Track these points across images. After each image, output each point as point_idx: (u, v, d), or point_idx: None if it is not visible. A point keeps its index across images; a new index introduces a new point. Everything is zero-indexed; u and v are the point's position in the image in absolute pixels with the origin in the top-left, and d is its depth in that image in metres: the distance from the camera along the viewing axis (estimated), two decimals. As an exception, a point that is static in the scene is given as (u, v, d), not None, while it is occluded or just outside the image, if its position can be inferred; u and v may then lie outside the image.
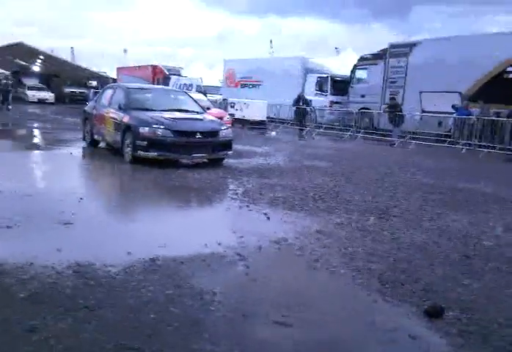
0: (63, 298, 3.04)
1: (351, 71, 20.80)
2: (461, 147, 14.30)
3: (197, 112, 9.84)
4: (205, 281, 3.47)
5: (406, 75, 17.90)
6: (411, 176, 9.09)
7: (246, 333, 2.83)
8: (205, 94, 20.45)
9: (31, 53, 34.78)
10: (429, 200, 6.83)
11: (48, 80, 37.51)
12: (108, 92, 10.64)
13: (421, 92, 17.02)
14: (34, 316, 2.78)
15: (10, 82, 23.13)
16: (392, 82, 18.58)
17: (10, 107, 21.91)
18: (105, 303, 3.00)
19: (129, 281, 3.38)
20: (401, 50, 18.20)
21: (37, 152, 10.61)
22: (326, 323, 3.04)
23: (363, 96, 19.86)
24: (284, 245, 4.45)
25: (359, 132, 17.82)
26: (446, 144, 14.95)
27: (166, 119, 8.74)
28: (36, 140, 12.99)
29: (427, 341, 2.90)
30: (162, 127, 8.49)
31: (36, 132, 14.85)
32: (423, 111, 16.80)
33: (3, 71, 28.25)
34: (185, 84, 26.68)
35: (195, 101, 10.64)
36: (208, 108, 11.59)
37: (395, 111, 16.54)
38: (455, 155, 13.47)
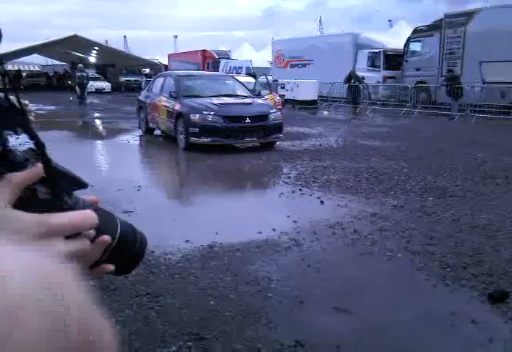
0: (127, 285, 3.19)
1: (405, 44, 19.94)
2: (527, 118, 13.45)
3: (246, 96, 9.85)
4: (261, 268, 3.52)
5: (463, 45, 16.97)
6: (473, 152, 8.67)
7: (303, 319, 2.86)
8: (254, 76, 20.37)
9: (86, 45, 36.00)
10: (492, 178, 6.51)
11: (104, 70, 38.77)
12: (159, 81, 10.86)
13: (481, 63, 16.07)
14: (102, 303, 2.94)
15: (85, 74, 21.23)
16: (449, 53, 17.68)
17: (87, 101, 20.88)
18: (167, 290, 3.13)
19: (188, 268, 3.49)
20: (458, 20, 17.23)
21: (96, 141, 11.06)
22: (385, 308, 3.01)
23: (419, 69, 19.03)
24: (339, 229, 4.42)
25: (416, 107, 17.16)
26: (510, 117, 14.11)
27: (215, 105, 8.83)
28: (95, 130, 13.54)
29: (490, 326, 2.80)
30: (212, 113, 8.60)
31: (96, 122, 15.45)
32: (484, 83, 15.89)
33: (77, 63, 26.26)
34: (234, 67, 26.67)
35: (243, 85, 10.65)
36: (259, 94, 11.51)
37: (453, 84, 15.75)
38: (521, 128, 12.70)
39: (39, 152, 0.46)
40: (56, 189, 0.47)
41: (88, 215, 0.47)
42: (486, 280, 3.32)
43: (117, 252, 0.53)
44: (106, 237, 0.50)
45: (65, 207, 0.47)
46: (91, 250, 0.49)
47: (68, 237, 0.46)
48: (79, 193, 0.52)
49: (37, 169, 0.46)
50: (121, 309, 2.87)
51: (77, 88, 20.81)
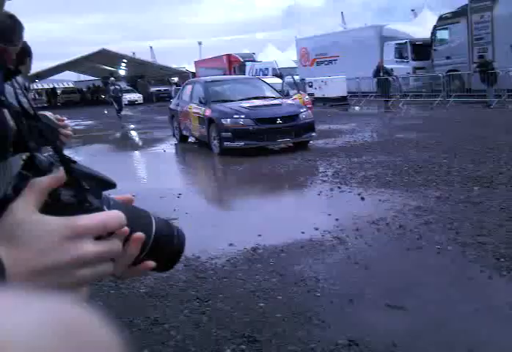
0: (178, 291, 3.23)
1: (432, 33, 19.46)
2: None
3: (275, 97, 9.84)
4: (307, 268, 3.49)
5: (492, 30, 16.43)
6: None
7: (355, 317, 2.81)
8: (281, 76, 20.33)
9: (114, 58, 36.90)
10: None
11: (134, 81, 39.59)
12: (188, 88, 11.00)
13: (513, 46, 15.53)
14: (154, 309, 2.99)
15: (118, 87, 20.92)
16: (478, 39, 17.14)
17: (122, 113, 20.51)
18: (216, 294, 3.15)
19: (235, 271, 3.50)
20: (483, 5, 16.69)
21: (135, 152, 11.30)
22: (441, 303, 2.93)
23: (449, 57, 18.54)
24: (383, 225, 4.34)
25: (450, 96, 16.71)
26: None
27: (245, 108, 8.86)
28: (132, 141, 13.83)
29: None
30: (243, 116, 8.63)
31: (131, 133, 15.78)
32: (519, 66, 15.33)
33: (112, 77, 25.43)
34: (260, 69, 26.74)
35: (271, 86, 10.64)
36: (287, 94, 11.49)
37: (486, 70, 15.27)
38: None
39: (58, 155, 0.48)
40: (80, 191, 0.47)
41: (114, 215, 0.48)
42: (543, 269, 3.19)
43: (156, 249, 0.53)
44: (140, 234, 0.51)
45: (91, 209, 0.47)
46: (128, 249, 0.50)
47: (100, 237, 0.46)
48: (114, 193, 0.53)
49: (61, 173, 0.46)
50: (174, 315, 2.90)
51: (113, 102, 20.66)
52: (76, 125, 19.71)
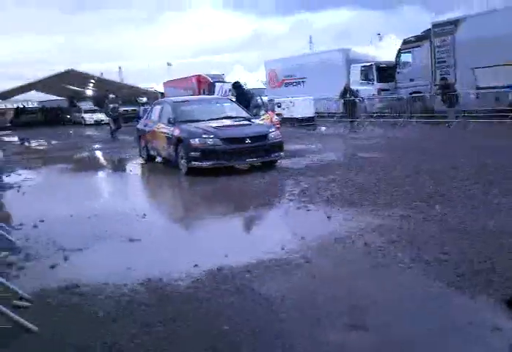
0: (138, 314, 3.14)
1: (396, 56, 20.17)
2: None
3: (244, 118, 9.90)
4: (273, 288, 3.46)
5: (454, 53, 17.13)
6: (473, 157, 8.65)
7: (319, 338, 2.79)
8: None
9: (83, 78, 36.53)
10: (496, 183, 6.47)
11: (101, 101, 39.16)
12: (157, 108, 10.96)
13: (473, 69, 16.21)
14: (113, 334, 2.89)
15: (117, 105, 19.43)
16: (440, 62, 17.83)
17: (117, 135, 18.69)
18: (179, 317, 3.07)
19: (199, 293, 3.44)
20: (446, 29, 17.43)
21: (100, 172, 11.11)
22: (402, 322, 2.95)
23: (412, 80, 19.19)
24: (349, 243, 4.37)
25: (413, 117, 17.24)
26: (508, 120, 14.13)
27: (214, 128, 8.87)
28: (97, 161, 13.60)
29: (511, 333, 2.74)
30: (212, 136, 8.62)
31: (96, 153, 15.53)
32: (478, 88, 15.99)
33: (113, 95, 22.12)
34: (230, 90, 26.92)
35: (240, 107, 10.71)
36: (256, 114, 11.61)
37: (448, 91, 15.86)
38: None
39: None
40: None
41: None
42: (502, 286, 3.26)
43: None
44: None
45: None
46: None
47: None
48: None
49: None
50: (133, 340, 2.81)
51: (111, 122, 19.06)
52: (39, 145, 19.31)
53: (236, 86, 13.03)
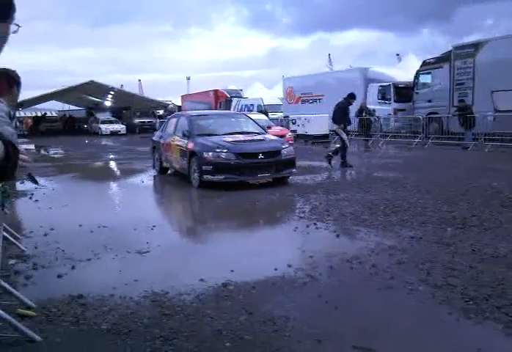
0: (141, 328, 3.12)
1: (415, 77, 20.17)
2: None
3: (258, 133, 9.95)
4: (278, 306, 3.42)
5: (473, 75, 17.09)
6: (489, 181, 8.53)
7: (322, 359, 2.74)
8: (266, 113, 20.63)
9: (102, 90, 37.20)
10: (510, 207, 6.36)
11: (119, 113, 39.79)
12: (173, 121, 11.07)
13: (492, 92, 16.12)
14: (115, 348, 2.88)
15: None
16: (459, 84, 17.79)
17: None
18: (181, 333, 3.05)
19: (203, 308, 3.41)
20: (466, 51, 17.44)
21: (112, 182, 11.20)
22: (408, 345, 2.89)
23: (430, 101, 19.15)
24: (356, 263, 4.32)
25: (429, 138, 17.14)
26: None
27: (228, 142, 8.92)
28: (110, 171, 13.73)
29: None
30: (225, 150, 8.67)
31: (110, 163, 15.69)
32: (496, 111, 15.87)
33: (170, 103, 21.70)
34: (246, 105, 27.12)
35: (255, 122, 10.78)
36: (269, 127, 11.66)
37: (465, 114, 15.76)
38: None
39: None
40: None
41: None
42: (510, 312, 3.18)
43: None
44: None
45: None
46: None
47: None
48: None
49: None
50: (134, 353, 2.79)
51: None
52: (55, 153, 19.60)
53: None
